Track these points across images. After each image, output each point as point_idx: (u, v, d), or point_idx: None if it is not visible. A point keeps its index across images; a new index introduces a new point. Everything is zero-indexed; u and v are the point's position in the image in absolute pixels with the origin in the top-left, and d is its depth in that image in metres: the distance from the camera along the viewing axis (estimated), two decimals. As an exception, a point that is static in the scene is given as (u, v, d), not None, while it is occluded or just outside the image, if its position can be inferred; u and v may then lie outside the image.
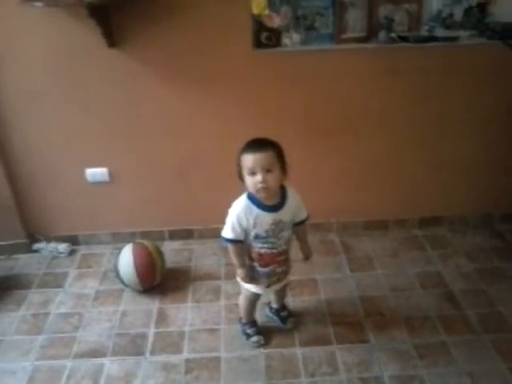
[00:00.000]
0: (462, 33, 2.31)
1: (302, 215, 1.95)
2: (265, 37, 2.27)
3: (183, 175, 2.64)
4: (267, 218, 1.81)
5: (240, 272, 1.94)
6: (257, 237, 1.84)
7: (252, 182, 1.71)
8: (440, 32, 2.29)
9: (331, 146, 2.59)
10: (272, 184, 1.72)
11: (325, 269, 2.58)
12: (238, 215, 1.80)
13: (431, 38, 2.31)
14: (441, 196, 2.80)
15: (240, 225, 1.81)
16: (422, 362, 2.02)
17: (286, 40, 2.29)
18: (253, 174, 1.70)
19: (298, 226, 1.96)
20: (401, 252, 2.71)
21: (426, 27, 2.29)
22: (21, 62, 2.30)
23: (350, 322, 2.24)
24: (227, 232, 1.85)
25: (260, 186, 1.70)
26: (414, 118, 2.54)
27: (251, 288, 2.00)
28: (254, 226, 1.81)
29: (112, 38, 2.24)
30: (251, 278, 1.94)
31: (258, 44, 2.29)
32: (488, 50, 2.36)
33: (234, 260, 1.92)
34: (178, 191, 2.70)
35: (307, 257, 2.07)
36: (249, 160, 1.70)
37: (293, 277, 2.14)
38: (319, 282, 2.49)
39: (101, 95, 2.41)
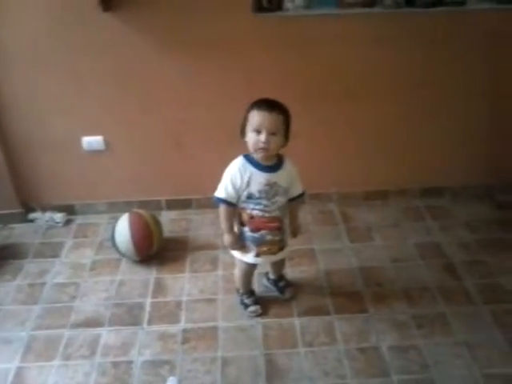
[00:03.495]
0: (471, -4, 2.24)
1: (298, 190, 1.93)
2: (266, 0, 2.20)
3: (180, 145, 2.59)
4: (261, 177, 1.79)
5: (226, 237, 1.93)
6: (250, 197, 1.82)
7: (254, 139, 1.71)
8: (448, -4, 2.23)
9: (332, 114, 2.54)
10: (272, 147, 1.72)
11: (324, 239, 2.57)
12: (233, 174, 1.80)
13: (438, 3, 2.24)
14: (443, 166, 2.76)
15: (233, 185, 1.80)
16: (419, 332, 2.02)
17: (288, 4, 2.22)
18: (257, 132, 1.70)
19: (293, 201, 1.94)
20: (401, 222, 2.69)
21: (434, -9, 2.22)
22: (12, 25, 2.22)
23: (349, 292, 2.24)
24: (220, 191, 1.84)
25: (261, 145, 1.70)
26: (417, 86, 2.48)
27: (241, 257, 1.98)
28: (248, 185, 1.79)
29: (107, 1, 2.16)
30: (239, 245, 1.93)
31: (259, 8, 2.22)
32: (497, 14, 2.30)
33: (223, 224, 1.90)
34: (175, 160, 2.66)
35: (294, 233, 2.04)
36: (257, 118, 1.69)
37: (291, 247, 2.12)
38: (317, 252, 2.47)
39: (95, 61, 2.34)
